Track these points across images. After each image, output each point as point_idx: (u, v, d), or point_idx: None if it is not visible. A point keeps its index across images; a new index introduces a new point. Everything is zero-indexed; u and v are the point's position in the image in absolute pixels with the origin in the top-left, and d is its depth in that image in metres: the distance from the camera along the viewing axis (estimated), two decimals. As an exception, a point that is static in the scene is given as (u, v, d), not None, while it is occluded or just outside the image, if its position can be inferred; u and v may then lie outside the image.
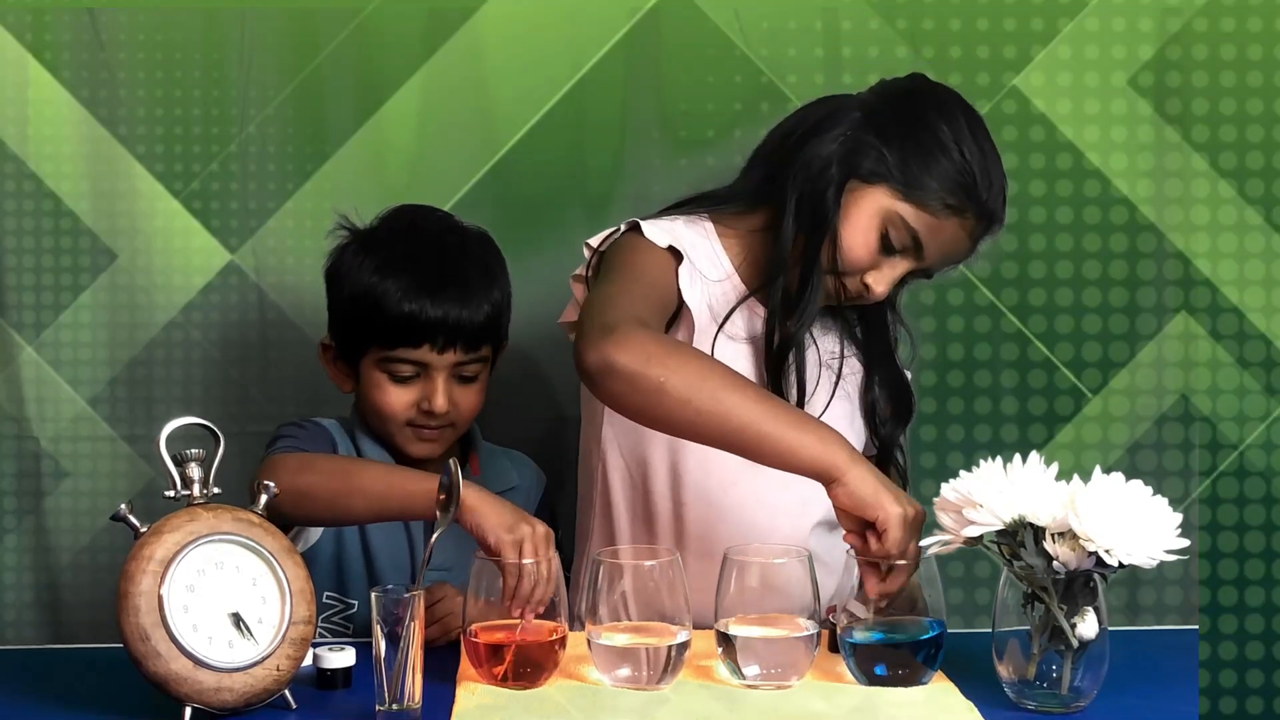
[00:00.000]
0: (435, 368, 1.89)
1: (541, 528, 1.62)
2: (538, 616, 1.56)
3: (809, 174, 1.79)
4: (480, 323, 1.90)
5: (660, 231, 1.82)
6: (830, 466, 1.57)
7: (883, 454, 1.95)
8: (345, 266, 1.93)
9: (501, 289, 1.95)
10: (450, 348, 1.88)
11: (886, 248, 1.79)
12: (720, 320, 1.83)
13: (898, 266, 1.81)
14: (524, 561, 1.58)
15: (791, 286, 1.81)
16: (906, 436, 1.97)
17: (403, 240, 1.93)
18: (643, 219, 1.84)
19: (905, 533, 1.55)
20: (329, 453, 1.90)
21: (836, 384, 1.89)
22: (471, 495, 1.61)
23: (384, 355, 1.89)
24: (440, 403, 1.89)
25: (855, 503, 1.56)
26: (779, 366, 1.82)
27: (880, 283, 1.80)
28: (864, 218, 1.78)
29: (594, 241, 1.85)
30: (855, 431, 1.92)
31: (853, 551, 1.58)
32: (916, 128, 1.78)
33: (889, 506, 1.55)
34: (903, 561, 1.55)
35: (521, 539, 1.60)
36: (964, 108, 1.82)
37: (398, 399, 1.90)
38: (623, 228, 1.85)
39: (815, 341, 1.88)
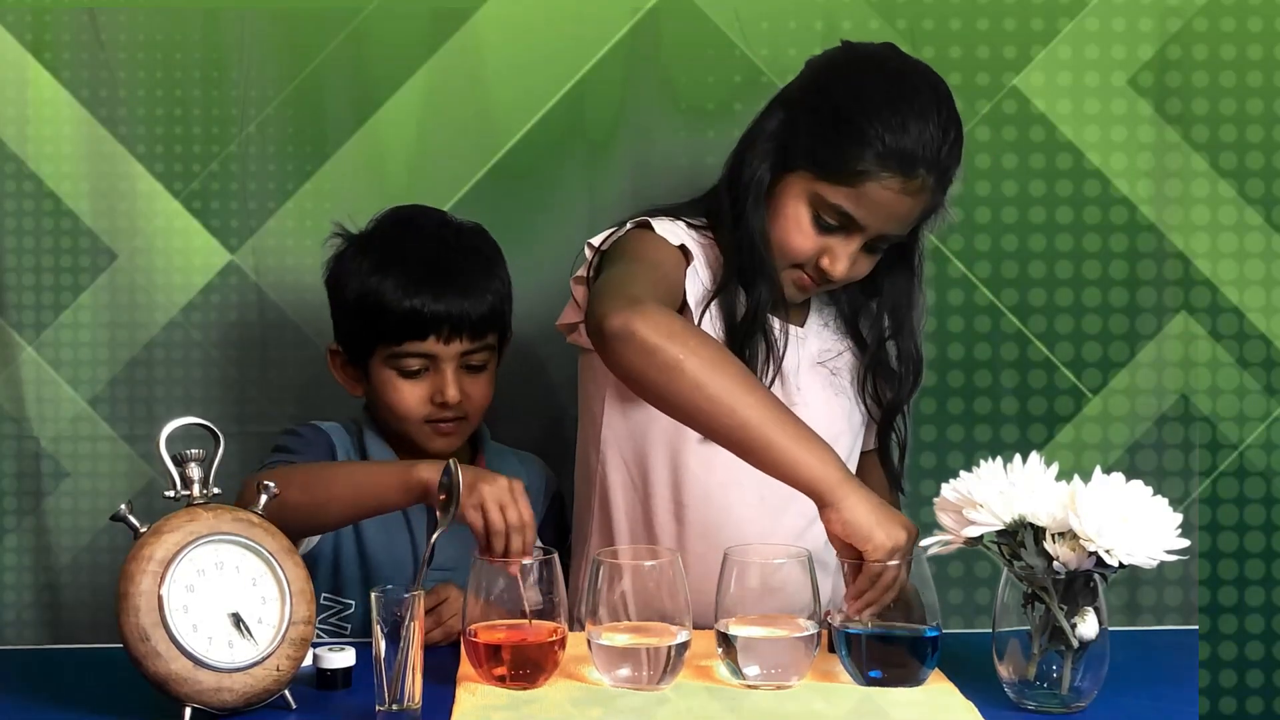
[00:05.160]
0: (443, 359, 1.90)
1: (502, 480, 1.62)
2: (536, 613, 1.55)
3: (741, 182, 1.82)
4: (483, 312, 1.92)
5: (670, 231, 1.82)
6: (827, 489, 1.57)
7: (884, 425, 1.95)
8: (344, 270, 1.95)
9: (502, 279, 1.97)
10: (456, 337, 1.90)
11: (825, 228, 1.79)
12: (698, 319, 1.83)
13: (847, 243, 1.80)
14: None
15: (748, 285, 1.82)
16: (910, 406, 1.96)
17: (398, 239, 1.95)
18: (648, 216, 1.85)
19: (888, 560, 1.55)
20: (327, 458, 1.91)
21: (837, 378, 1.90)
22: (466, 475, 1.60)
23: (392, 352, 1.90)
24: (452, 393, 1.90)
25: (848, 531, 1.56)
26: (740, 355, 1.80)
27: (836, 263, 1.80)
28: (790, 206, 1.80)
29: (595, 241, 1.85)
30: (853, 428, 1.93)
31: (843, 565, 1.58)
32: (821, 105, 1.80)
33: (878, 540, 1.55)
34: (893, 562, 1.55)
35: (481, 500, 1.60)
36: (876, 67, 1.81)
37: (410, 395, 1.91)
38: (629, 225, 1.85)
39: (814, 339, 1.88)
